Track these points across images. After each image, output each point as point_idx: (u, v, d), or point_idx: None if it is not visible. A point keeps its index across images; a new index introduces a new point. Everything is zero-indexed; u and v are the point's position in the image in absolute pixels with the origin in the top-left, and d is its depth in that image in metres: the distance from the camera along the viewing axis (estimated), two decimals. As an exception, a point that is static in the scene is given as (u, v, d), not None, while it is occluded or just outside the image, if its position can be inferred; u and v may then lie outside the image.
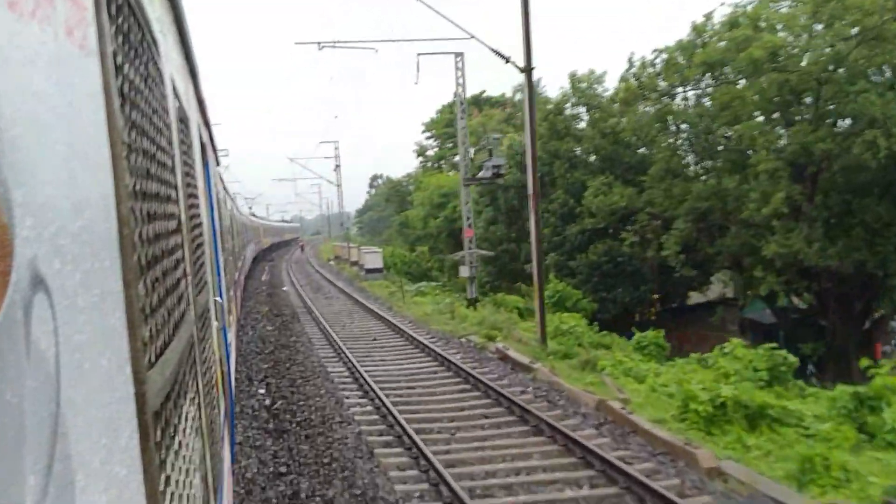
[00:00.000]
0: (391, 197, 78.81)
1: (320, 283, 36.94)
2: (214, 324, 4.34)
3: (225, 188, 15.26)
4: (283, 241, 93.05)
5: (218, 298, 5.20)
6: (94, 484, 0.83)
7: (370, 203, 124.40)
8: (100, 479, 0.86)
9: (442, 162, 67.45)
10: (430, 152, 71.90)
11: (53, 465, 0.68)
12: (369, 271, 38.21)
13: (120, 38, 1.36)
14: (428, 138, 72.38)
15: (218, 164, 9.22)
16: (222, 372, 5.01)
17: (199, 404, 2.30)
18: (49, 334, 0.72)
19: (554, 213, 35.17)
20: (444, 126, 65.22)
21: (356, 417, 10.87)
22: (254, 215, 63.00)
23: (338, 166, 60.06)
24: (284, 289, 32.33)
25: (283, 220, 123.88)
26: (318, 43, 22.56)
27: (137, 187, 1.41)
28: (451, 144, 61.85)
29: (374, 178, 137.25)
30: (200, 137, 4.53)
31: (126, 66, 1.41)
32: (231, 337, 8.13)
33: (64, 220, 0.83)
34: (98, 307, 0.95)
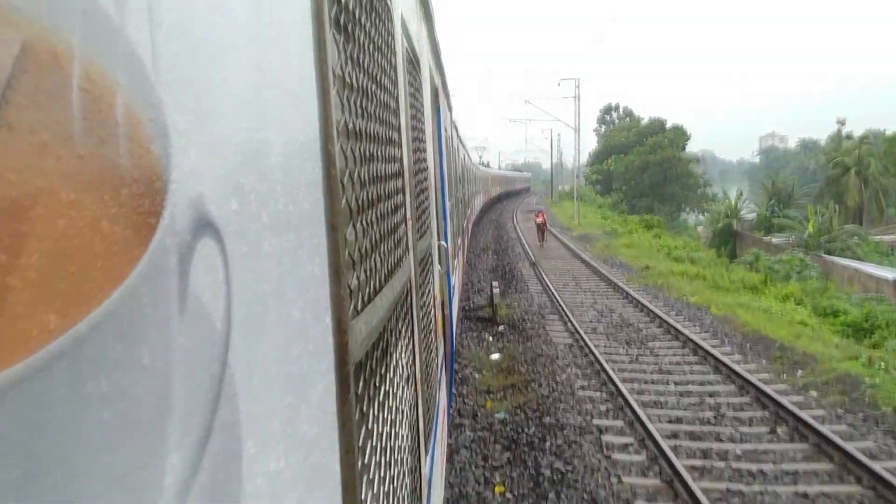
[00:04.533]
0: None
1: None
2: (437, 268, 4.42)
3: (459, 136, 15.66)
4: (513, 191, 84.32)
5: (443, 243, 5.31)
6: (271, 449, 0.75)
7: (613, 144, 76.79)
8: (279, 441, 0.78)
9: None
10: None
11: (211, 436, 0.59)
12: None
13: None
14: None
15: (451, 110, 9.41)
16: (444, 315, 5.13)
17: (413, 350, 2.28)
18: (216, 284, 0.63)
19: None
20: None
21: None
22: (482, 164, 62.04)
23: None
24: None
25: (516, 170, 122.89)
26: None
27: (350, 126, 1.33)
28: None
29: (607, 109, 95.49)
30: (432, 81, 4.54)
31: None
32: (455, 280, 8.39)
33: (248, 154, 0.74)
34: (291, 253, 0.87)
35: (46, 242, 0.39)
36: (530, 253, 24.48)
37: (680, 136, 70.98)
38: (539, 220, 30.23)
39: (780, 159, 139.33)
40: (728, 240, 44.29)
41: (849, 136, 63.09)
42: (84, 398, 0.41)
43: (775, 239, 40.42)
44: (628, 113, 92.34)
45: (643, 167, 68.13)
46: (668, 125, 72.92)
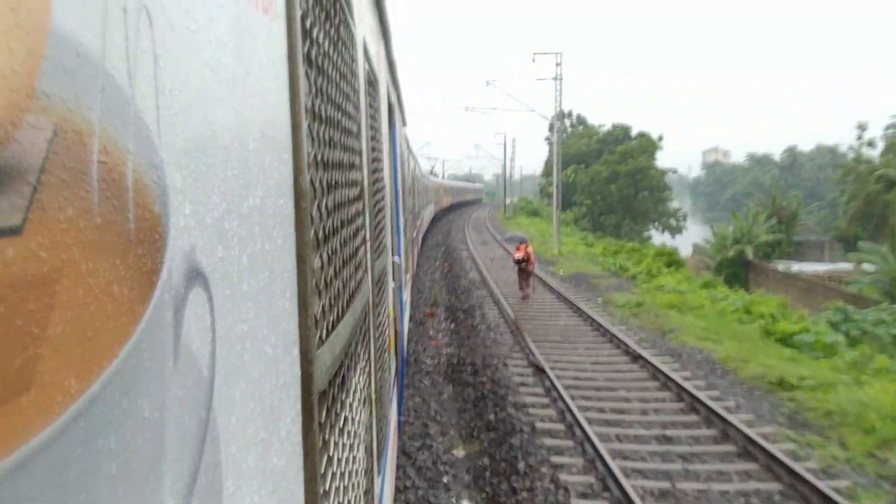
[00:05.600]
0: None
1: None
2: (391, 284, 4.43)
3: (409, 148, 15.71)
4: (464, 201, 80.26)
5: (396, 259, 5.32)
6: (245, 485, 0.77)
7: (570, 153, 64.43)
8: (252, 478, 0.80)
9: None
10: None
11: (198, 478, 0.61)
12: None
13: (310, 0, 1.31)
14: None
15: (405, 124, 9.45)
16: (395, 331, 5.14)
17: (369, 372, 2.30)
18: (204, 331, 0.65)
19: None
20: None
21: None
22: (433, 174, 60.77)
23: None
24: None
25: (468, 181, 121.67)
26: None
27: (319, 157, 1.36)
28: None
29: (559, 116, 72.46)
30: (388, 99, 4.58)
31: (315, 30, 1.36)
32: (406, 295, 8.40)
33: (233, 201, 0.76)
34: (266, 290, 0.89)
35: (69, 311, 0.41)
36: (514, 319, 13.16)
37: (649, 144, 61.84)
38: (518, 255, 16.08)
39: (727, 174, 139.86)
40: (738, 271, 34.61)
41: (871, 144, 53.09)
42: (96, 455, 0.44)
43: (795, 267, 32.24)
44: (581, 120, 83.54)
45: (611, 178, 59.08)
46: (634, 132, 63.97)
